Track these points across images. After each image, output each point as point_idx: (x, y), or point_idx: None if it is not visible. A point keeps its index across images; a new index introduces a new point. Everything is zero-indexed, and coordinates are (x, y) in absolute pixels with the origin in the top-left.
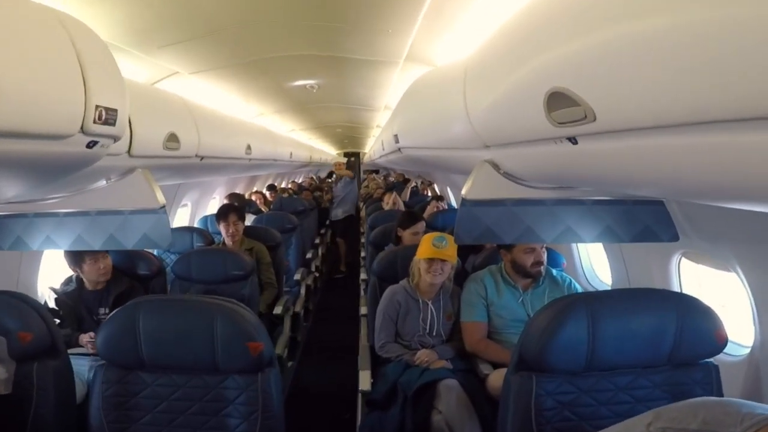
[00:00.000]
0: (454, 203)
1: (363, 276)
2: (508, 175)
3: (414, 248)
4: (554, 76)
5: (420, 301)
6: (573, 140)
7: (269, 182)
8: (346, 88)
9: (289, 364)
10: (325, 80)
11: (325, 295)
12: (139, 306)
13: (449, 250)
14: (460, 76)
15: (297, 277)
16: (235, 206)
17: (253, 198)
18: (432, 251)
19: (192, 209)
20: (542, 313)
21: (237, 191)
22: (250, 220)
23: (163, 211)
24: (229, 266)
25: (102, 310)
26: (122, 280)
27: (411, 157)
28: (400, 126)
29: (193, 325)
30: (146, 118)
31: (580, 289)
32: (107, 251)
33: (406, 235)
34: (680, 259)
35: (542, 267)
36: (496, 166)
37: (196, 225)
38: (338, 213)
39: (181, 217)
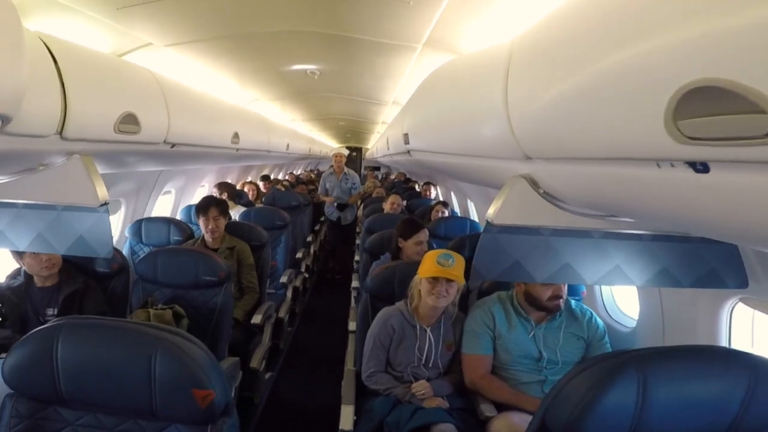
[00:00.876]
0: (457, 210)
1: (355, 284)
2: (549, 197)
3: (415, 266)
4: (701, 63)
5: (418, 327)
6: (702, 166)
7: (264, 172)
8: (352, 76)
9: (267, 375)
10: (327, 65)
11: (314, 298)
12: (58, 328)
13: (456, 269)
14: (501, 64)
15: (284, 279)
16: (217, 200)
17: (246, 189)
18: (436, 269)
19: (175, 197)
20: (579, 376)
21: (228, 180)
22: (238, 212)
23: (104, 210)
24: (201, 270)
25: (50, 311)
26: (76, 277)
27: (422, 162)
28: (411, 124)
29: (126, 360)
30: (90, 93)
31: (601, 325)
32: None
33: (409, 245)
34: (736, 304)
35: (561, 301)
36: (534, 184)
37: (178, 215)
38: (346, 216)
39: (162, 206)
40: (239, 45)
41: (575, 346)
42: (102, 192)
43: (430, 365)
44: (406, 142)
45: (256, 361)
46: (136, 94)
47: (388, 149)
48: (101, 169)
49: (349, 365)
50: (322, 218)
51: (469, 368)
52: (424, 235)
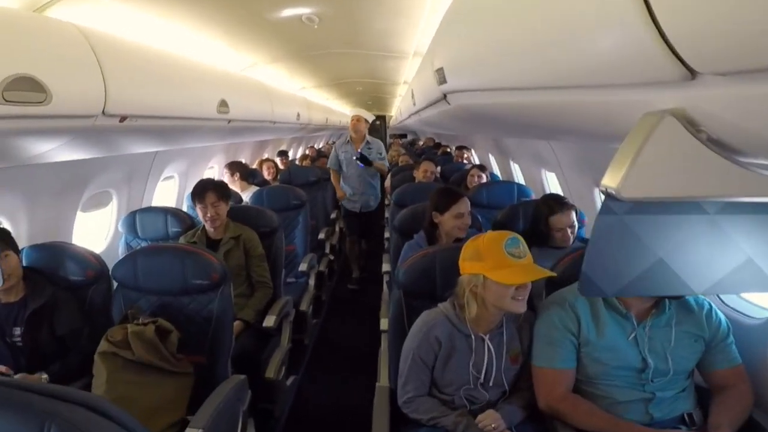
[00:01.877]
0: (498, 174)
1: (386, 266)
2: (721, 146)
3: (458, 251)
4: None
5: (472, 336)
6: None
7: (282, 147)
8: (359, 21)
9: (289, 380)
10: (326, 7)
11: (343, 283)
12: None
13: (529, 256)
14: None
15: (304, 266)
16: (215, 182)
17: (264, 167)
18: (518, 267)
19: (180, 183)
20: None
21: (242, 159)
22: (249, 194)
23: None
24: (190, 272)
25: (16, 331)
26: (44, 289)
27: (467, 110)
28: (449, 54)
29: None
30: None
31: (724, 319)
32: (10, 246)
33: (446, 220)
34: None
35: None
36: (693, 125)
37: (184, 203)
38: (363, 201)
39: (165, 194)
40: None
41: (691, 349)
42: None
43: (491, 384)
44: (442, 81)
45: (273, 370)
46: (41, 53)
47: (414, 103)
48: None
49: (383, 378)
50: (338, 213)
51: (544, 387)
52: (464, 205)
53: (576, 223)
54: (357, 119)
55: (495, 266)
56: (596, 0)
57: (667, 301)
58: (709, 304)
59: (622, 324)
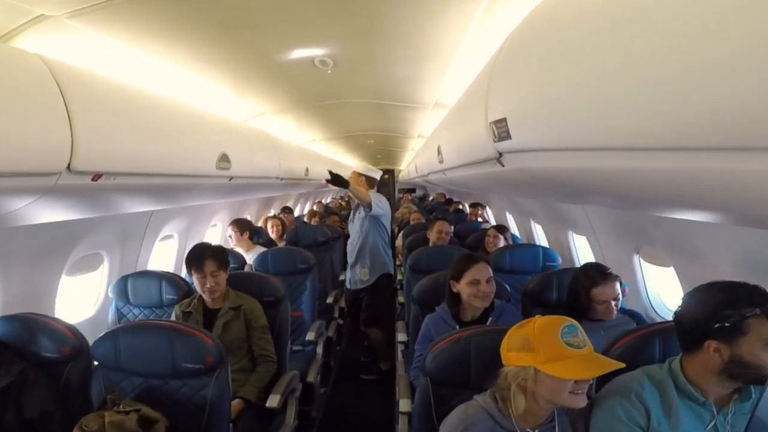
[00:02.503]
0: (518, 236)
1: (401, 336)
2: None
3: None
4: None
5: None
6: None
7: (288, 204)
8: (379, 62)
9: None
10: (342, 48)
11: (351, 348)
12: None
13: (589, 345)
14: None
15: (311, 335)
16: (214, 249)
17: (269, 226)
18: (583, 359)
19: (179, 243)
20: None
21: (247, 216)
22: (255, 255)
23: None
24: (180, 354)
25: None
26: (11, 366)
27: (532, 175)
28: (511, 101)
29: None
30: None
31: None
32: None
33: (462, 288)
34: None
35: None
36: None
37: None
38: (361, 274)
39: (163, 255)
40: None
41: None
42: None
43: None
44: (500, 137)
45: None
46: None
47: (442, 161)
48: None
49: None
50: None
51: None
52: (480, 271)
53: (620, 295)
54: (357, 176)
55: (550, 358)
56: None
57: (752, 386)
58: None
59: (699, 413)
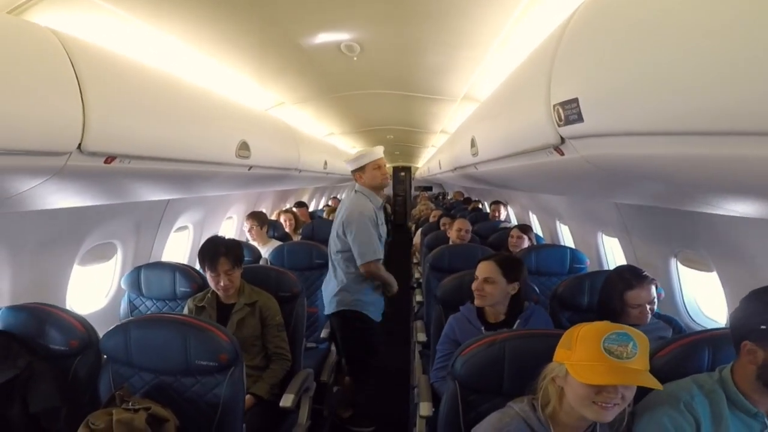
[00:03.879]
0: (542, 236)
1: (420, 336)
2: None
3: (539, 341)
4: None
5: None
6: None
7: (303, 198)
8: (407, 52)
9: None
10: (371, 27)
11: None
12: None
13: (640, 361)
14: None
15: (325, 333)
16: (228, 244)
17: (282, 219)
18: (607, 367)
19: (194, 234)
20: None
21: (262, 209)
22: (270, 249)
23: None
24: (194, 351)
25: None
26: (17, 358)
27: (605, 164)
28: (585, 82)
29: None
30: None
31: None
32: None
33: None
34: None
35: None
36: None
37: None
38: (339, 300)
39: (177, 246)
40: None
41: None
42: None
43: None
44: (568, 119)
45: None
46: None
47: (477, 153)
48: None
49: None
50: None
51: None
52: (479, 269)
53: (656, 299)
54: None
55: (581, 359)
56: None
57: None
58: None
59: (750, 425)
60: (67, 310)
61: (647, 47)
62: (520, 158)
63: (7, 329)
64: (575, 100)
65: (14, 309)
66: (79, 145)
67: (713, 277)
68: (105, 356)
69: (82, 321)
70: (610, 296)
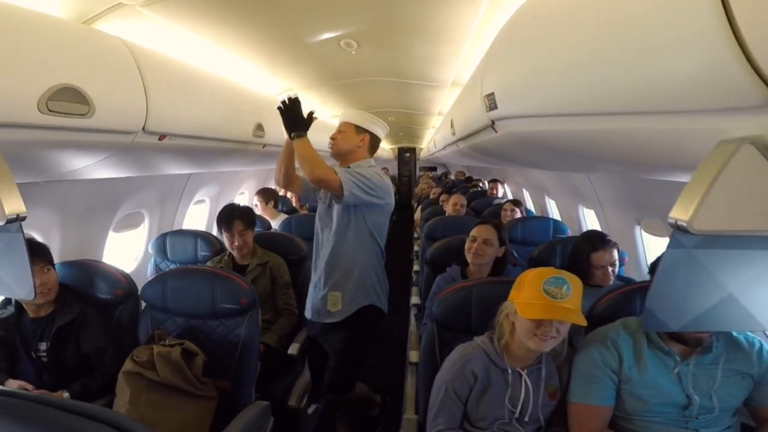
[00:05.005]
0: (533, 209)
1: (414, 299)
2: None
3: (500, 287)
4: None
5: (509, 371)
6: None
7: None
8: (399, 46)
9: (311, 409)
10: (365, 32)
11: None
12: None
13: (572, 301)
14: None
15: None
16: (241, 210)
17: (289, 195)
18: (544, 304)
19: (210, 207)
20: None
21: (272, 186)
22: (278, 222)
23: (15, 228)
24: (220, 296)
25: (42, 346)
26: (72, 305)
27: (519, 137)
28: (500, 78)
29: None
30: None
31: None
32: (50, 262)
33: (466, 243)
34: None
35: (708, 335)
36: None
37: (214, 228)
38: (329, 301)
39: (196, 217)
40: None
41: (738, 386)
42: (13, 202)
43: (526, 419)
44: (491, 107)
45: (295, 398)
46: (86, 64)
47: (454, 134)
48: (28, 173)
49: (409, 411)
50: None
51: (578, 422)
52: (479, 231)
53: (617, 262)
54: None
55: (526, 298)
56: (672, 18)
57: (714, 340)
58: (760, 342)
59: (665, 361)
60: (111, 265)
61: (542, 57)
62: (482, 134)
63: (62, 281)
64: (493, 93)
65: (67, 264)
66: (143, 126)
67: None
68: (144, 304)
69: (124, 274)
70: (578, 258)
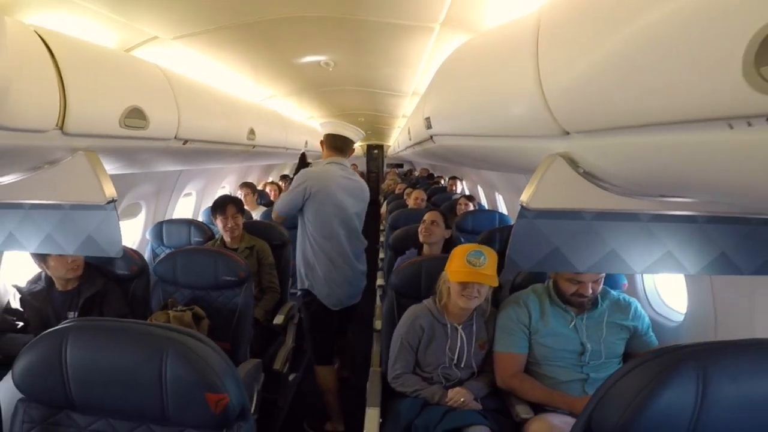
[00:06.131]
0: (485, 203)
1: (380, 281)
2: (590, 176)
3: (443, 261)
4: None
5: (448, 325)
6: None
7: (285, 172)
8: (367, 66)
9: (291, 376)
10: (340, 55)
11: None
12: (66, 331)
13: (488, 267)
14: (529, 36)
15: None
16: (233, 198)
17: (267, 189)
18: (467, 271)
19: (196, 199)
20: (630, 374)
21: (250, 180)
22: (259, 213)
23: (111, 207)
24: (221, 270)
25: (71, 315)
26: (96, 280)
27: (447, 148)
28: (434, 108)
29: (135, 363)
30: (91, 87)
31: (646, 317)
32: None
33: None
34: None
35: (586, 300)
36: (573, 163)
37: (200, 218)
38: (341, 293)
39: (184, 208)
40: (248, 35)
41: (619, 336)
42: (109, 189)
43: (462, 365)
44: (429, 126)
45: (279, 362)
46: (142, 89)
47: (410, 139)
48: (112, 167)
49: (375, 366)
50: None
51: (500, 367)
52: (428, 215)
53: None
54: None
55: (454, 268)
56: (504, 80)
57: (599, 299)
58: (636, 305)
59: (564, 316)
60: (127, 246)
61: (459, 95)
62: (425, 144)
63: (86, 259)
64: (429, 117)
65: None
66: (175, 134)
67: None
68: (156, 278)
69: (137, 252)
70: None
